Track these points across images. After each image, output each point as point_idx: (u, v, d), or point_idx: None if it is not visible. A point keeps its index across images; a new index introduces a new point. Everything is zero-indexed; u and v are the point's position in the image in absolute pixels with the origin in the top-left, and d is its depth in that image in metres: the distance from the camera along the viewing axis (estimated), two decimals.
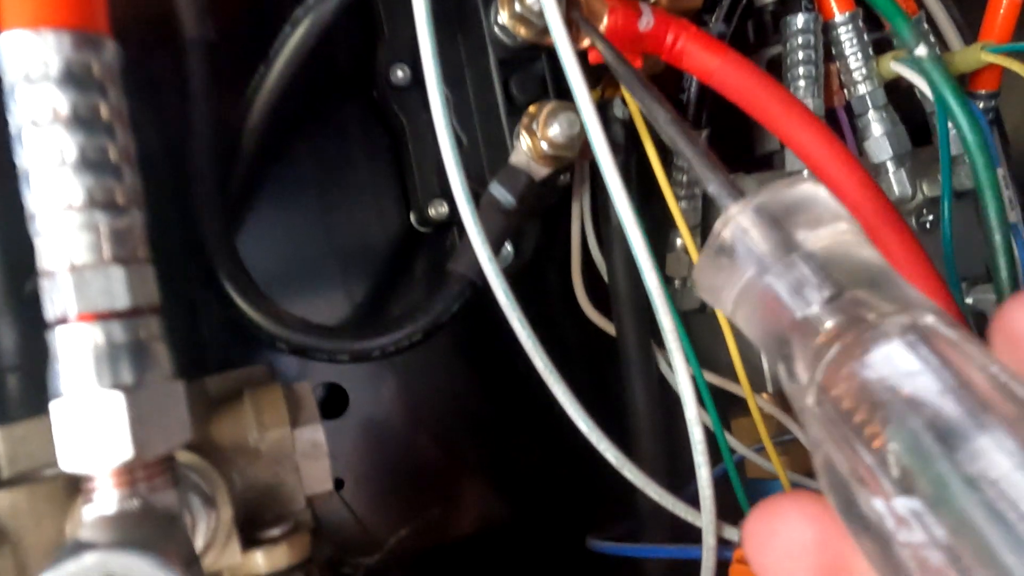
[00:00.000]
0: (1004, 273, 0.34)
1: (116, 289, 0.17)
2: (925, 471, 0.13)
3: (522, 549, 0.41)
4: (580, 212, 0.42)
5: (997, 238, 0.33)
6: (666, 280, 0.48)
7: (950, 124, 0.38)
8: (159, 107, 0.29)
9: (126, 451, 0.16)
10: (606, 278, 0.42)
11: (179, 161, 0.30)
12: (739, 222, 0.17)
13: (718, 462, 0.38)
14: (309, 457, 0.25)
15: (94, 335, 0.17)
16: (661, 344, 0.37)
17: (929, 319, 0.15)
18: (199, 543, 0.19)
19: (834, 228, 0.17)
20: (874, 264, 0.17)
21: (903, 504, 0.13)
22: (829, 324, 0.15)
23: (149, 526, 0.16)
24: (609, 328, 0.42)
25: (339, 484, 0.39)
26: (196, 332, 0.33)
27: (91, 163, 0.16)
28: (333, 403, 0.39)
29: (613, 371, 0.41)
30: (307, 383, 0.26)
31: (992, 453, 0.13)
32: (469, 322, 0.42)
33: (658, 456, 0.36)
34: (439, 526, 0.40)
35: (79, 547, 0.15)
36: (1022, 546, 0.12)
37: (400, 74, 0.37)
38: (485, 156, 0.35)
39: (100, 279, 0.17)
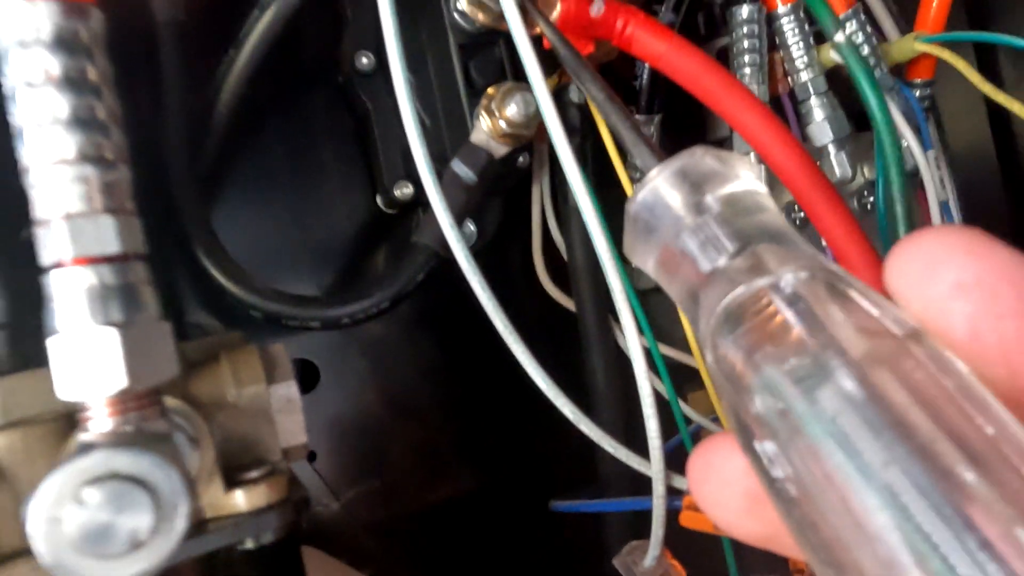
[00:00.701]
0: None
1: (107, 236, 0.18)
2: (777, 417, 0.15)
3: (490, 517, 0.43)
4: (540, 194, 0.44)
5: (899, 209, 0.35)
6: (624, 260, 0.50)
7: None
8: (132, 88, 0.31)
9: (121, 381, 0.18)
10: (565, 256, 0.44)
11: (153, 141, 0.31)
12: (657, 184, 0.18)
13: (676, 434, 0.40)
14: (284, 412, 0.26)
15: (88, 278, 0.18)
16: (619, 320, 0.39)
17: (805, 274, 0.16)
18: None
19: (746, 193, 0.18)
20: (778, 225, 0.18)
21: (769, 447, 0.15)
22: (726, 278, 0.17)
23: (144, 441, 0.17)
24: (569, 304, 0.44)
25: (311, 456, 0.40)
26: (178, 324, 0.34)
27: (81, 121, 0.18)
28: (304, 379, 0.40)
29: (573, 346, 0.43)
30: (281, 344, 0.27)
31: (828, 398, 0.14)
32: (436, 299, 0.44)
33: (616, 419, 0.38)
34: (410, 495, 0.42)
35: (87, 446, 0.16)
36: (859, 477, 0.13)
37: (365, 60, 0.38)
38: (447, 137, 0.36)
39: (92, 227, 0.18)
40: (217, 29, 0.32)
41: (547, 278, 0.44)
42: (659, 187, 0.18)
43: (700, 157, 0.19)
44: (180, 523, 0.17)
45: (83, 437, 0.18)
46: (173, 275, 0.33)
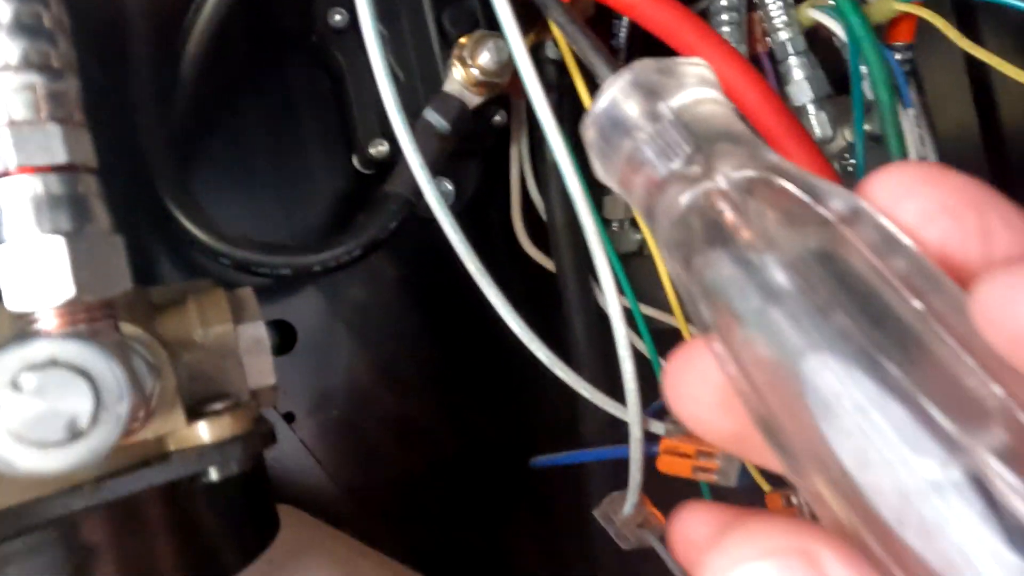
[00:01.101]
0: None
1: (54, 145, 0.18)
2: (719, 317, 0.15)
3: (471, 480, 0.43)
4: (519, 154, 0.43)
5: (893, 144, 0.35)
6: (604, 222, 0.50)
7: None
8: (96, 39, 0.30)
9: (68, 290, 0.17)
10: (544, 217, 0.43)
11: (121, 92, 0.31)
12: (615, 92, 0.18)
13: (658, 398, 0.40)
14: (252, 353, 0.26)
15: (34, 186, 0.18)
16: (598, 280, 0.39)
17: (751, 173, 0.16)
18: (141, 414, 0.20)
19: (706, 100, 0.18)
20: (740, 131, 0.18)
21: (717, 346, 0.15)
22: (678, 182, 0.17)
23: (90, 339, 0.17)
24: (549, 264, 0.44)
25: (290, 417, 0.40)
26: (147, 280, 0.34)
27: (25, 27, 0.18)
28: (282, 340, 0.40)
29: (554, 308, 0.43)
30: (249, 288, 0.27)
31: (755, 295, 0.15)
32: (416, 264, 0.44)
33: (597, 377, 0.38)
34: (390, 458, 0.41)
35: (28, 335, 0.16)
36: (787, 364, 0.14)
37: (338, 17, 0.38)
38: (421, 90, 0.36)
39: (38, 135, 0.18)
40: None
41: (527, 239, 0.44)
42: (614, 97, 0.18)
43: (654, 66, 0.18)
44: (122, 412, 0.17)
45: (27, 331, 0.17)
46: (142, 232, 0.32)
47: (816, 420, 0.13)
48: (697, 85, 0.18)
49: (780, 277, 0.14)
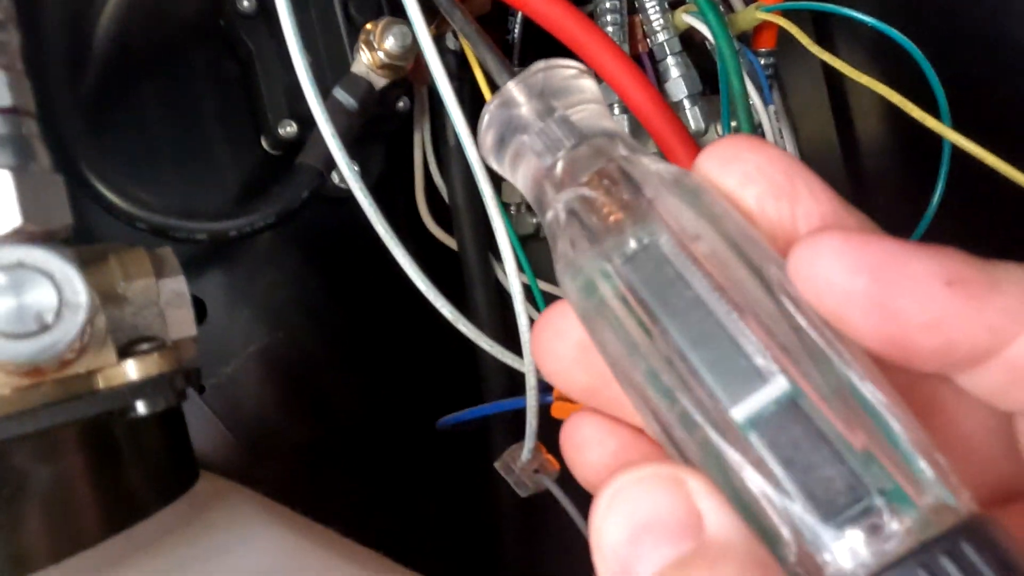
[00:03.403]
0: None
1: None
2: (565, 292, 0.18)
3: (379, 444, 0.45)
4: (422, 139, 0.46)
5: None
6: (504, 206, 0.53)
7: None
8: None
9: (15, 219, 0.19)
10: (446, 199, 0.46)
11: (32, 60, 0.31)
12: (509, 93, 0.21)
13: None
14: (173, 305, 0.27)
15: None
16: (498, 257, 0.42)
17: (624, 151, 0.19)
18: (77, 345, 0.22)
19: (587, 103, 0.21)
20: (615, 129, 0.21)
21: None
22: (564, 164, 0.19)
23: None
24: (451, 243, 0.47)
25: (201, 390, 0.41)
26: None
27: None
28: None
29: (457, 285, 0.46)
30: (168, 247, 0.29)
31: (574, 286, 0.17)
32: (325, 243, 0.46)
33: (495, 334, 0.41)
34: (298, 425, 0.43)
35: None
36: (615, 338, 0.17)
37: (246, 3, 0.40)
38: (330, 73, 0.38)
39: None
40: None
41: (430, 219, 0.47)
42: (509, 95, 0.21)
43: (546, 71, 0.21)
44: (81, 305, 0.18)
45: None
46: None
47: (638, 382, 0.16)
48: (583, 92, 0.21)
49: (609, 272, 0.17)
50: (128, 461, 0.25)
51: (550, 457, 0.36)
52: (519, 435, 0.37)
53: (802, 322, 0.16)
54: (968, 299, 0.14)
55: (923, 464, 0.14)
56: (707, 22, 0.42)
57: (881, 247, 0.15)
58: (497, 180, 0.54)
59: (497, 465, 0.37)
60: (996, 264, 0.15)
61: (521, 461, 0.36)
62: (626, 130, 0.49)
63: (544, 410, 0.35)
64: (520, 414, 0.36)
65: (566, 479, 0.37)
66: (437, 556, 0.45)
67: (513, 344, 0.36)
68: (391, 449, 0.45)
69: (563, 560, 0.46)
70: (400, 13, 0.34)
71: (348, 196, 0.32)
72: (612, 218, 0.18)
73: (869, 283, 0.15)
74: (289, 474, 0.42)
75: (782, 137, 0.52)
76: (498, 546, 0.46)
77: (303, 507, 0.38)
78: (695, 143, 0.38)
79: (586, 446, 0.20)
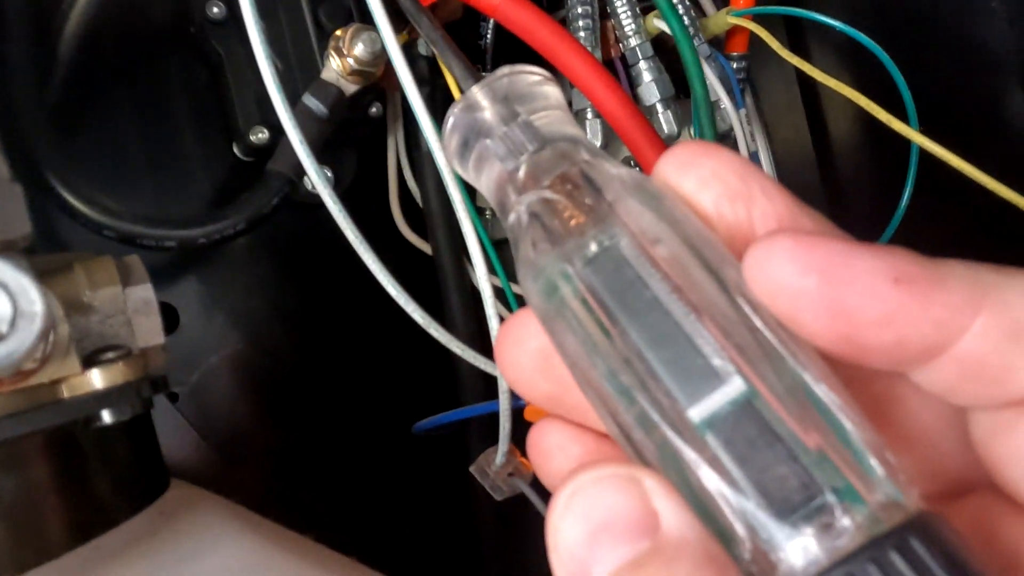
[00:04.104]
0: None
1: None
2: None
3: (356, 450, 0.45)
4: (395, 144, 0.46)
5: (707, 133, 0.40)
6: (477, 211, 0.53)
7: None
8: None
9: None
10: (420, 203, 0.46)
11: None
12: (473, 97, 0.21)
13: None
14: (141, 313, 0.27)
15: None
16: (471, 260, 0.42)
17: (586, 155, 0.19)
18: (38, 355, 0.22)
19: (550, 108, 0.21)
20: (577, 135, 0.21)
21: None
22: (527, 168, 0.19)
23: None
24: (425, 248, 0.47)
25: (173, 397, 0.41)
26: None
27: None
28: (165, 321, 0.41)
29: (431, 289, 0.46)
30: (136, 255, 0.29)
31: (535, 288, 0.17)
32: (294, 247, 0.46)
33: (469, 338, 0.41)
34: (272, 431, 0.43)
35: None
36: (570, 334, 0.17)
37: (216, 10, 0.40)
38: (299, 79, 0.38)
39: None
40: None
41: (405, 224, 0.47)
42: (472, 100, 0.21)
43: (511, 76, 0.21)
44: (36, 315, 0.18)
45: None
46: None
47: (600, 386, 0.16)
48: (547, 98, 0.21)
49: (563, 271, 0.17)
50: (95, 470, 0.25)
51: (524, 460, 0.36)
52: (496, 438, 0.37)
53: (758, 323, 0.16)
54: (915, 295, 0.15)
55: (874, 463, 0.15)
56: (669, 26, 0.43)
57: (830, 247, 0.15)
58: (470, 187, 0.55)
59: (472, 469, 0.37)
60: (942, 261, 0.15)
61: (495, 465, 0.36)
62: (600, 135, 0.49)
63: (518, 414, 0.35)
64: (496, 417, 0.36)
65: (541, 482, 0.37)
66: (414, 561, 0.45)
67: (488, 348, 0.36)
68: (367, 454, 0.45)
69: (542, 564, 0.46)
70: (370, 20, 0.35)
71: (321, 202, 0.32)
72: (573, 221, 0.18)
73: (819, 283, 0.15)
74: (263, 481, 0.42)
75: (754, 140, 0.53)
76: (476, 551, 0.46)
77: (278, 513, 0.38)
78: (666, 147, 0.38)
79: (552, 453, 0.20)
